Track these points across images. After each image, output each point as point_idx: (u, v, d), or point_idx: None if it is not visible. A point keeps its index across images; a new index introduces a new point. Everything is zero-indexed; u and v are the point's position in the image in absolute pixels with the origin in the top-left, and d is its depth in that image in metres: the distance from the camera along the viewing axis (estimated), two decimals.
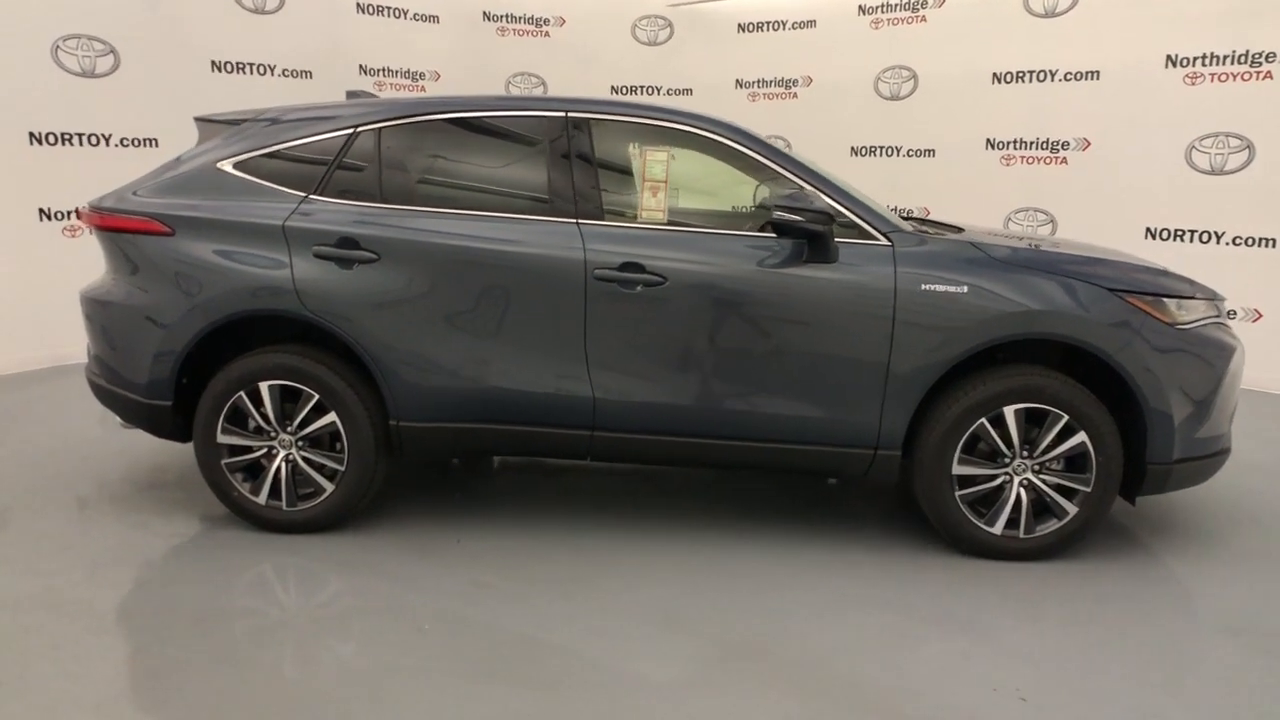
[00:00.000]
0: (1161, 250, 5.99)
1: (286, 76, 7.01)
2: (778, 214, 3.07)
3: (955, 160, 7.06)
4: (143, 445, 4.37)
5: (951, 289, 3.14)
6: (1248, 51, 5.70)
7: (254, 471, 3.45)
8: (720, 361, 3.23)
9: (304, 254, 3.29)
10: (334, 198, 3.36)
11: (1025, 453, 3.24)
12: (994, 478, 3.27)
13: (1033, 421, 3.22)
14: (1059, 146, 6.55)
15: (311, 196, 3.36)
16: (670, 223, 3.31)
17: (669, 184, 3.29)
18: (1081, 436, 3.19)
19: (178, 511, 3.67)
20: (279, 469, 3.40)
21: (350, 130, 3.40)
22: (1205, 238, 5.95)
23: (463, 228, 3.27)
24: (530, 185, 3.37)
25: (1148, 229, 6.15)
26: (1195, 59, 5.89)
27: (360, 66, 7.56)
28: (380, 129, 3.40)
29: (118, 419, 3.67)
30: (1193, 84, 5.92)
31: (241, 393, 3.35)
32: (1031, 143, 6.67)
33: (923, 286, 3.15)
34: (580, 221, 3.27)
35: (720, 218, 3.61)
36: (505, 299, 3.25)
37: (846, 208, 3.25)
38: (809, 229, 3.08)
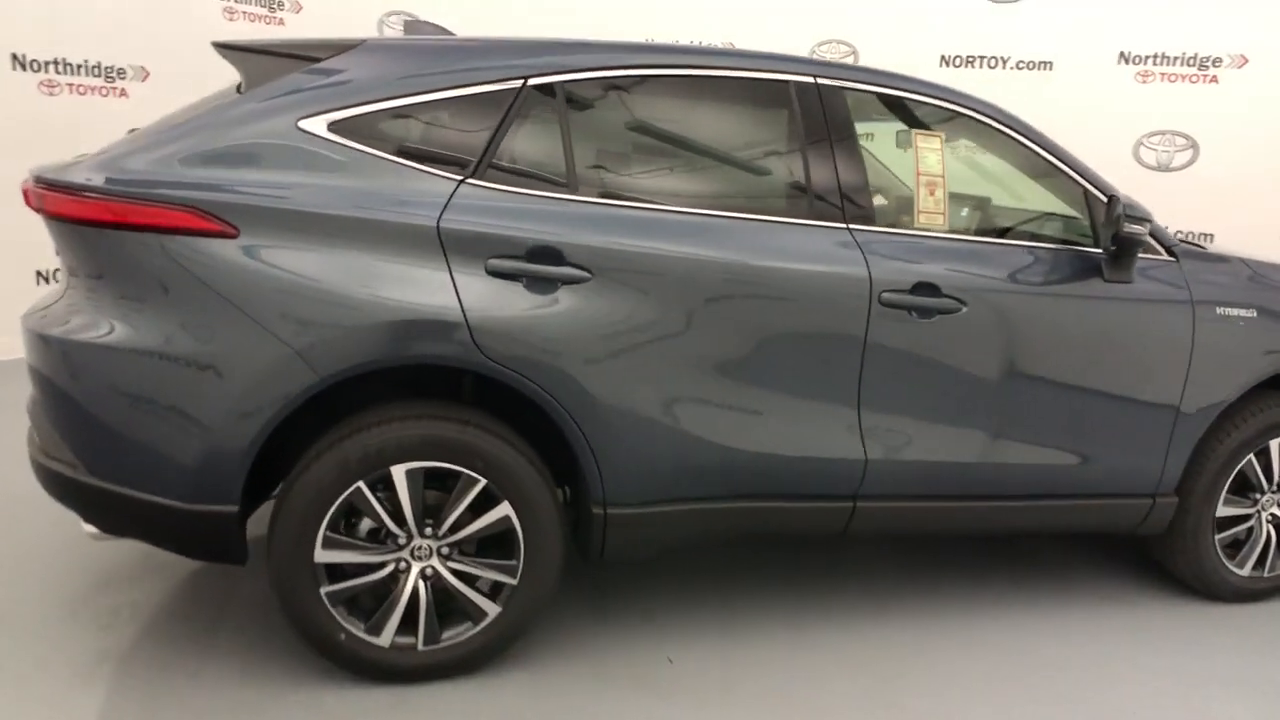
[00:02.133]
0: None
1: None
2: (1130, 227, 2.48)
3: None
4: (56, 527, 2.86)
5: (1243, 313, 2.76)
6: (1196, 55, 5.99)
7: (359, 599, 2.28)
8: (1012, 406, 2.59)
9: (472, 270, 2.15)
10: (503, 184, 2.23)
11: (1276, 488, 2.98)
12: (1248, 517, 2.97)
13: None
14: None
15: (470, 181, 2.21)
16: (952, 230, 2.60)
17: (946, 180, 2.57)
18: None
19: (210, 656, 2.36)
20: (415, 591, 2.25)
21: (518, 83, 2.27)
22: None
23: (706, 234, 2.32)
24: (781, 175, 2.48)
25: None
26: (1147, 58, 6.10)
27: None
28: (565, 83, 2.31)
29: (87, 528, 2.27)
30: (1144, 82, 6.14)
31: (361, 483, 2.16)
32: None
33: (1217, 310, 2.74)
34: (851, 227, 2.45)
35: (989, 222, 2.90)
36: (762, 332, 2.36)
37: None
38: (1142, 242, 2.53)
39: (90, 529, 2.27)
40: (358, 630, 2.24)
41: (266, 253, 2.05)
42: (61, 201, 2.06)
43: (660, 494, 2.37)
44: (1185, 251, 2.79)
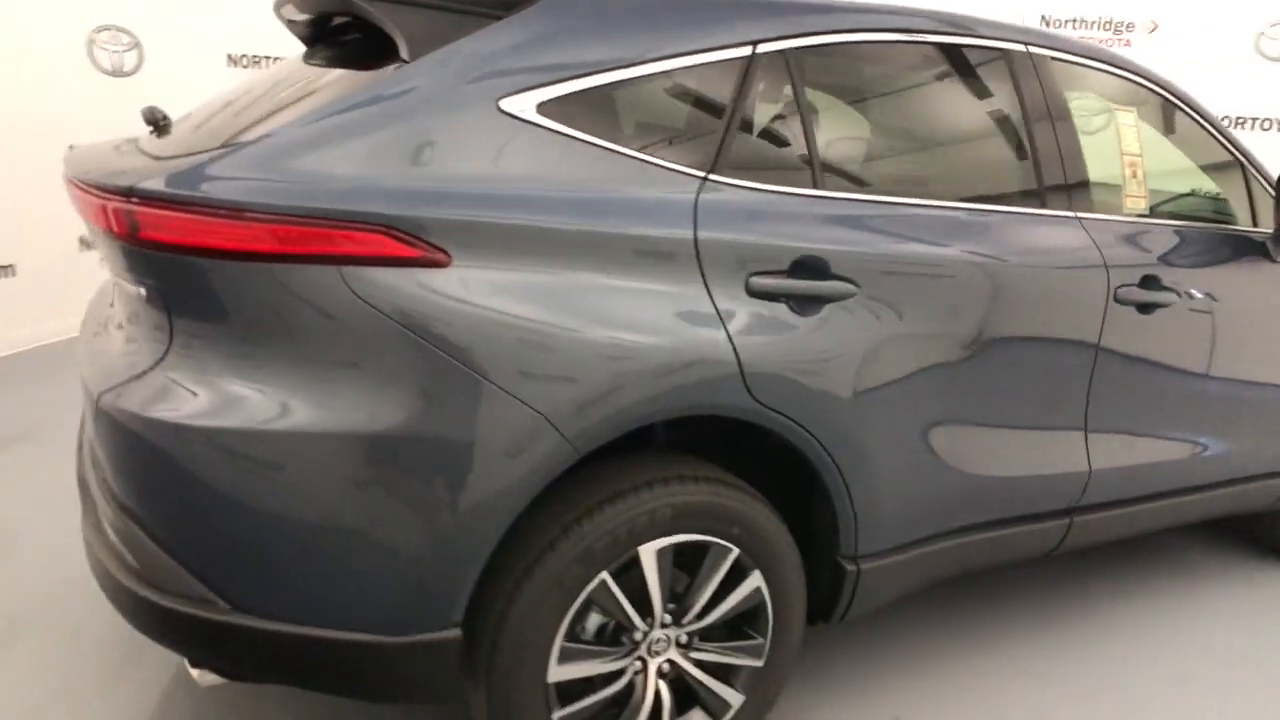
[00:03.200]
0: None
1: None
2: None
3: None
4: None
5: None
6: (1111, 20, 6.23)
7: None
8: (1210, 398, 2.48)
9: (732, 292, 1.68)
10: (744, 180, 1.77)
11: None
12: None
13: None
14: None
15: (712, 178, 1.73)
16: (1152, 215, 2.40)
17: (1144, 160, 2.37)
18: None
19: None
20: (657, 695, 1.80)
21: (746, 50, 1.80)
22: None
23: (967, 233, 1.97)
24: (1013, 158, 2.16)
25: None
26: (1067, 21, 6.27)
27: None
28: (804, 50, 1.85)
29: (199, 674, 1.63)
30: None
31: (605, 574, 1.67)
32: None
33: None
34: (1079, 216, 2.19)
35: (1165, 205, 2.70)
36: (1013, 338, 2.06)
37: None
38: None
39: (207, 676, 1.63)
40: None
41: (491, 286, 1.49)
42: (179, 224, 1.38)
43: (907, 538, 2.04)
44: None
